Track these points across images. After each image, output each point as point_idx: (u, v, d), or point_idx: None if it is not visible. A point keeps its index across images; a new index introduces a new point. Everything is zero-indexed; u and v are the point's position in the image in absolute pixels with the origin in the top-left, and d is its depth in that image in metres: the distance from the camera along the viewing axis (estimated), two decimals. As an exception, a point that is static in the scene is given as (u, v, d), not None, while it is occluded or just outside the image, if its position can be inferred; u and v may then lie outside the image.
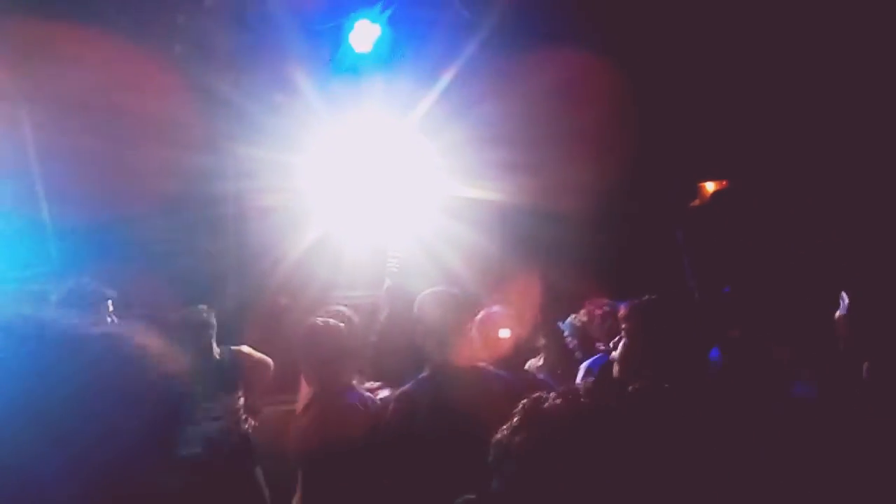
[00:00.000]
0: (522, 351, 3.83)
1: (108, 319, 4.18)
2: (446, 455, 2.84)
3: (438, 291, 3.28)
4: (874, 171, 4.87)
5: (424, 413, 3.01)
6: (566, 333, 4.45)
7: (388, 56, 5.56)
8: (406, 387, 3.18)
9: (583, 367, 4.07)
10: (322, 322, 3.36)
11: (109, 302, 4.07)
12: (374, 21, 5.48)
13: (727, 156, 5.20)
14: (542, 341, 4.41)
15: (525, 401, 1.50)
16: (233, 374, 4.39)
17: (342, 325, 3.37)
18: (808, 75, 5.16)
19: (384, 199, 5.92)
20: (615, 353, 3.99)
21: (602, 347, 4.09)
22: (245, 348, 4.51)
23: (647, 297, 2.76)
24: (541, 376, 4.07)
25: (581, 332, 4.36)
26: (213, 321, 4.45)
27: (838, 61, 5.01)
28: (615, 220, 6.02)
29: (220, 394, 4.26)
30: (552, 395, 1.50)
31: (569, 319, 4.45)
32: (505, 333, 3.65)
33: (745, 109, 5.39)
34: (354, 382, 3.36)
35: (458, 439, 2.88)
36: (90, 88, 5.04)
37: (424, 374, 3.19)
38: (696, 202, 4.38)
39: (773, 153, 5.16)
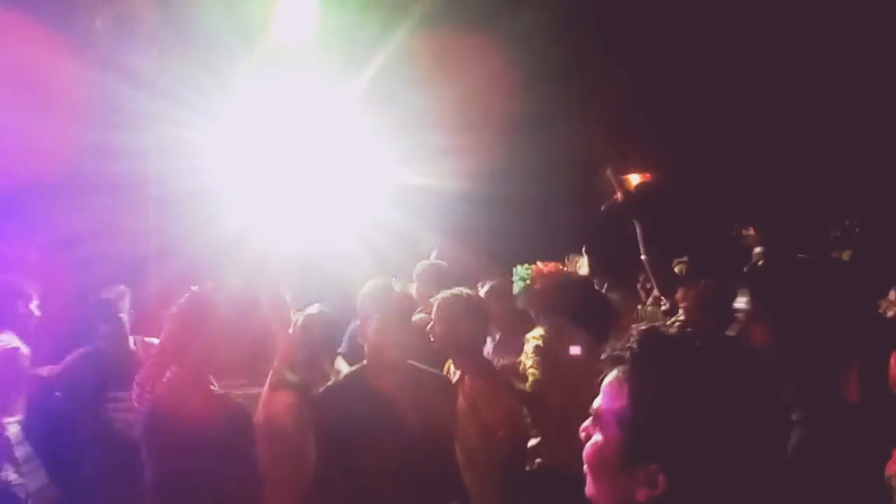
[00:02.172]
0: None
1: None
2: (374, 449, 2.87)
3: (378, 284, 3.30)
4: (796, 164, 5.06)
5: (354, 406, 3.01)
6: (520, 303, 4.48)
7: (318, 36, 5.47)
8: (336, 381, 3.22)
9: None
10: None
11: None
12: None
13: (656, 143, 5.32)
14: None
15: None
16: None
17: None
18: (731, 70, 5.30)
19: (315, 182, 5.84)
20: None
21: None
22: (156, 341, 4.35)
23: None
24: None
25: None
26: (128, 304, 4.34)
27: (762, 54, 5.17)
28: (549, 206, 6.10)
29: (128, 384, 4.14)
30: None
31: (519, 288, 4.46)
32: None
33: (673, 99, 5.51)
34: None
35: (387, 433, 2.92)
36: (5, 63, 4.83)
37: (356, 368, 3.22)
38: (620, 194, 4.42)
39: (699, 145, 5.31)
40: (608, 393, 1.23)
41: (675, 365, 1.18)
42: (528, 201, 6.02)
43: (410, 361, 3.21)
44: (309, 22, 5.39)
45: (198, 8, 5.17)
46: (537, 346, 4.09)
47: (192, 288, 3.31)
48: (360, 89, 5.55)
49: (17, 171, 4.89)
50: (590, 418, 1.25)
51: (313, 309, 3.97)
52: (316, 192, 5.83)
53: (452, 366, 3.68)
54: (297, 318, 3.92)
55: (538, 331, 4.24)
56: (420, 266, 4.68)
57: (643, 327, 1.25)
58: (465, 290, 3.65)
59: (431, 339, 3.49)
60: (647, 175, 4.68)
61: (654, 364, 1.19)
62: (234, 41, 5.32)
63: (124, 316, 4.30)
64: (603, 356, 1.27)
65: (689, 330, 1.33)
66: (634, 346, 1.22)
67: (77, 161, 5.07)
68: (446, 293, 3.58)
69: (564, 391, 3.82)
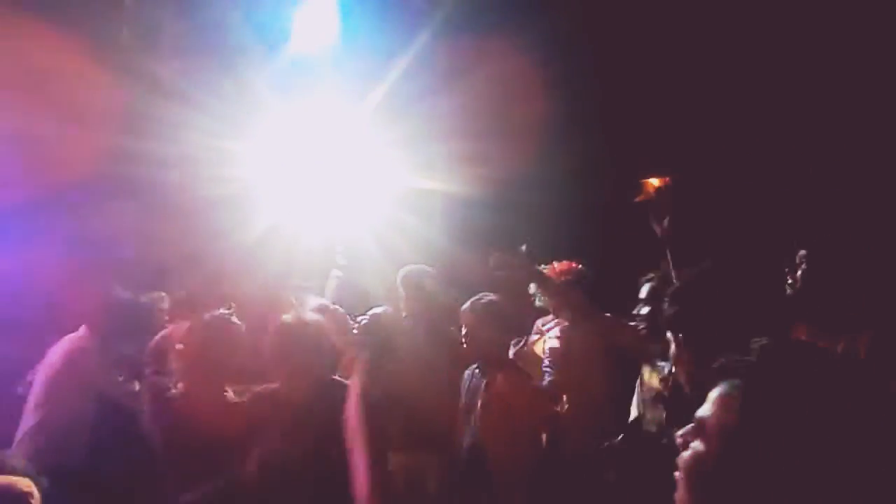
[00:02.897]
0: None
1: None
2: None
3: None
4: (816, 168, 5.00)
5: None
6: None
7: (339, 44, 5.54)
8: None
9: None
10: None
11: None
12: (325, 9, 5.45)
13: (672, 151, 5.28)
14: None
15: None
16: None
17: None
18: (753, 70, 5.26)
19: (334, 188, 5.90)
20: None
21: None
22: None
23: None
24: None
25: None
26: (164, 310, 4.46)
27: (778, 54, 5.12)
28: (564, 212, 6.08)
29: None
30: None
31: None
32: None
33: (690, 104, 5.48)
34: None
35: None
36: (34, 73, 4.95)
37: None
38: (640, 197, 4.41)
39: (718, 149, 5.26)
40: (718, 404, 1.19)
41: (795, 386, 1.13)
42: (544, 207, 6.01)
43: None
44: (329, 30, 5.46)
45: (221, 18, 5.26)
46: (553, 349, 4.15)
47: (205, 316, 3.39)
48: (379, 97, 5.60)
49: (43, 178, 5.00)
50: (690, 425, 1.23)
51: (377, 310, 4.05)
52: (336, 197, 5.89)
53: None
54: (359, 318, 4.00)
55: (555, 331, 4.29)
56: (402, 272, 4.64)
57: (765, 341, 1.21)
58: (487, 296, 3.75)
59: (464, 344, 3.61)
60: (667, 179, 4.64)
61: (772, 382, 1.15)
62: (257, 50, 5.40)
63: (161, 323, 4.37)
64: (715, 365, 1.24)
65: (815, 350, 1.27)
66: (754, 359, 1.19)
67: (102, 168, 5.16)
68: (473, 300, 3.72)
69: (577, 387, 3.89)
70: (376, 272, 5.41)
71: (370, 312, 4.17)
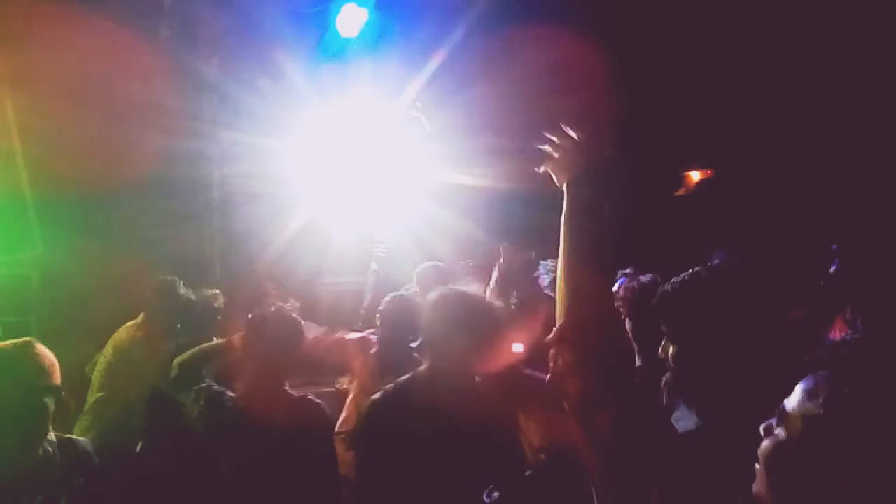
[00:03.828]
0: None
1: None
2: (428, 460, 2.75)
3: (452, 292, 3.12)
4: (856, 162, 4.92)
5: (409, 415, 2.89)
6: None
7: (375, 40, 5.53)
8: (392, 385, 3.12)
9: None
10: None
11: None
12: (361, 5, 5.44)
13: (713, 144, 5.22)
14: None
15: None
16: None
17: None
18: (794, 67, 5.18)
19: (371, 184, 5.90)
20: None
21: None
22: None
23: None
24: None
25: None
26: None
27: (821, 53, 5.04)
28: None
29: None
30: None
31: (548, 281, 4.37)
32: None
33: (731, 97, 5.40)
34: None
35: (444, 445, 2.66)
36: (74, 71, 5.01)
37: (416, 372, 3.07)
38: (682, 191, 4.38)
39: (758, 143, 5.19)
40: (805, 394, 1.18)
41: (885, 382, 1.12)
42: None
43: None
44: (367, 25, 5.46)
45: (259, 16, 5.28)
46: None
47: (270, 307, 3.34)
48: (417, 91, 5.58)
49: (83, 176, 5.05)
50: (776, 416, 1.22)
51: (396, 294, 3.95)
52: (373, 193, 5.90)
53: None
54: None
55: None
56: (420, 268, 4.56)
57: (857, 336, 1.22)
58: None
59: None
60: (709, 172, 4.61)
61: (862, 376, 1.14)
62: (295, 46, 5.41)
63: (216, 319, 4.40)
64: (807, 358, 1.24)
65: None
66: (847, 353, 1.19)
67: (143, 165, 5.21)
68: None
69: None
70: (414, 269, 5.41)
71: (390, 295, 4.03)
